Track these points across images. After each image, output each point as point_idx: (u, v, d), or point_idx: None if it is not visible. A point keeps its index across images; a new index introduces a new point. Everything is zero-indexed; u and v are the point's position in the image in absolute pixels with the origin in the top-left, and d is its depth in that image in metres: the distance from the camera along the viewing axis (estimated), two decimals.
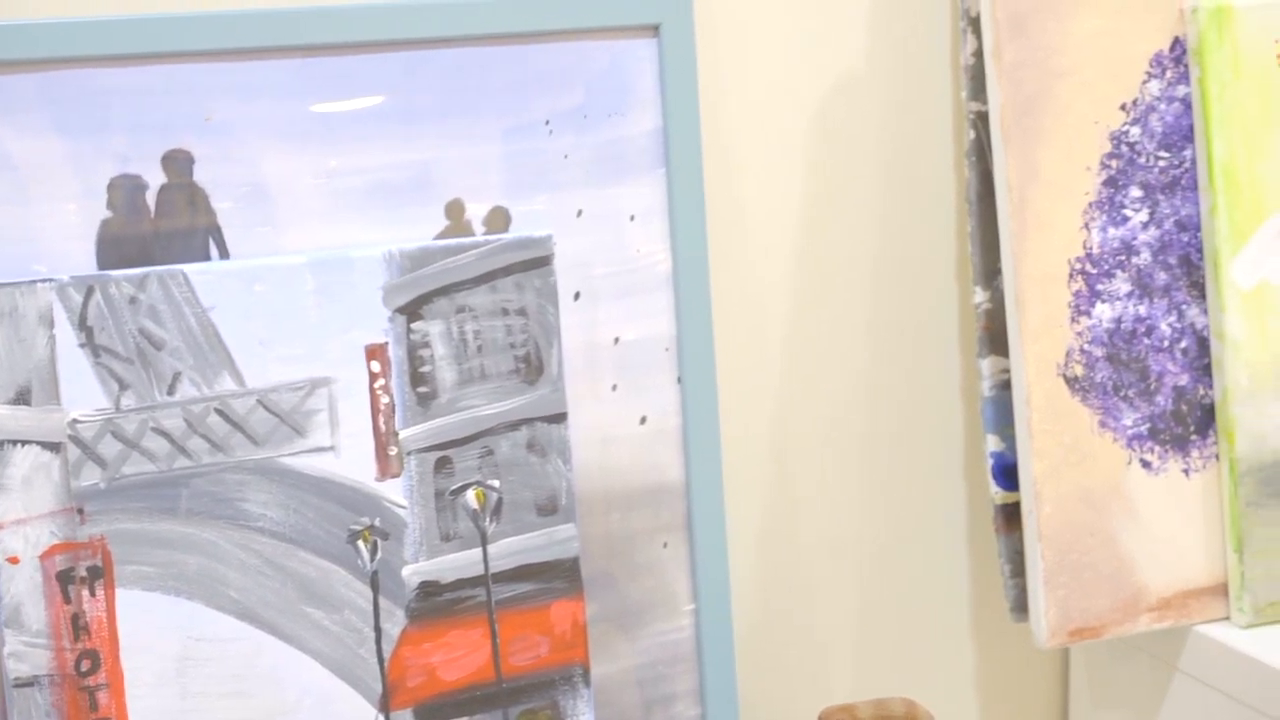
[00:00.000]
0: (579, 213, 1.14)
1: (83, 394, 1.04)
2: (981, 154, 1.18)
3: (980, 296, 1.19)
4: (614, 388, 1.16)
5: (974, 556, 1.32)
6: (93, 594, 1.04)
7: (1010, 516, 1.20)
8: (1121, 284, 1.17)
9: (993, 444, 1.20)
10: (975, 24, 1.17)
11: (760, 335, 1.24)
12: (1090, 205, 1.16)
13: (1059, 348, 1.16)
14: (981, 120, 1.18)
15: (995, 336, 1.19)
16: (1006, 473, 1.19)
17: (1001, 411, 1.19)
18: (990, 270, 1.19)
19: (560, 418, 1.13)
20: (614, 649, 1.17)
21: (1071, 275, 1.16)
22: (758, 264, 1.23)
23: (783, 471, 1.26)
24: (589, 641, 1.15)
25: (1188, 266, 1.18)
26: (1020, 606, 1.20)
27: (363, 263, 1.09)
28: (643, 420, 1.16)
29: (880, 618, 1.31)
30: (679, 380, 1.17)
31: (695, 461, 1.17)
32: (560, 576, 1.14)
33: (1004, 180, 1.15)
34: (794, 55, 1.22)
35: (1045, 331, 1.15)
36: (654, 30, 1.15)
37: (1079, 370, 1.16)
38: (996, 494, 1.20)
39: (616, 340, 1.15)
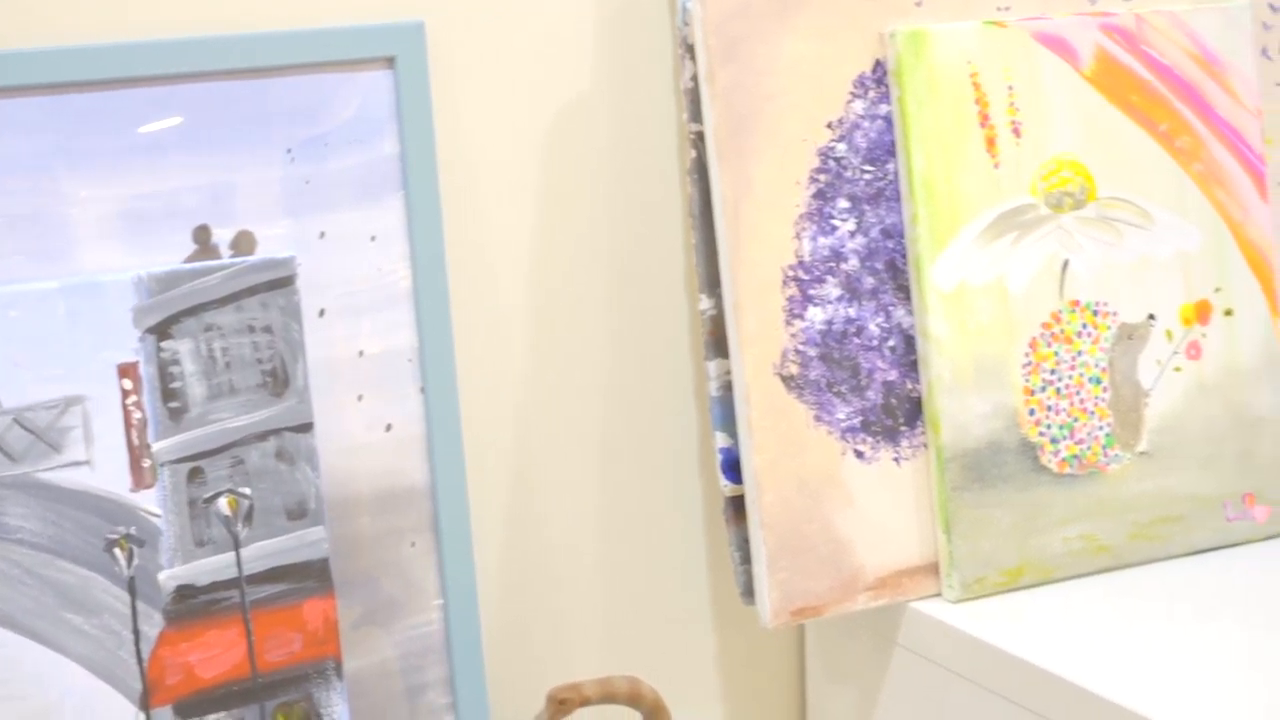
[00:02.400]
0: (321, 234, 1.21)
1: None
2: (702, 171, 1.26)
3: (706, 303, 1.28)
4: (360, 398, 1.23)
5: (710, 546, 1.41)
6: None
7: (738, 508, 1.28)
8: (832, 288, 1.26)
9: (721, 440, 1.28)
10: (692, 51, 1.25)
11: (501, 345, 1.32)
12: (801, 216, 1.25)
13: (775, 349, 1.25)
14: (701, 140, 1.26)
15: (719, 340, 1.28)
16: (734, 467, 1.28)
17: (727, 410, 1.28)
18: (713, 279, 1.27)
19: (307, 427, 1.20)
20: (367, 643, 1.24)
21: (785, 282, 1.25)
22: (496, 278, 1.31)
23: (526, 472, 1.34)
24: (341, 637, 1.22)
25: (893, 271, 1.28)
26: (750, 590, 1.28)
27: (113, 286, 1.15)
28: (388, 428, 1.24)
29: (624, 606, 1.39)
30: (422, 389, 1.24)
31: (439, 465, 1.25)
32: (311, 576, 1.21)
33: (720, 195, 1.24)
34: (524, 82, 1.30)
35: (762, 334, 1.24)
36: (389, 62, 1.22)
37: (794, 369, 1.25)
38: (725, 487, 1.28)
39: (361, 353, 1.23)
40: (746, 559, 1.28)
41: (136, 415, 1.16)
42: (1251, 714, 1.09)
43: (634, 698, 1.16)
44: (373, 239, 1.23)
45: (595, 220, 1.34)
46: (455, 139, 1.28)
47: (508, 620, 1.35)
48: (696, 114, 1.26)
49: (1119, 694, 1.12)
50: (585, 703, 1.14)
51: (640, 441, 1.38)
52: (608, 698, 1.15)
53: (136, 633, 1.17)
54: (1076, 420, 1.30)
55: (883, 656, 1.32)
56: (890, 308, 1.28)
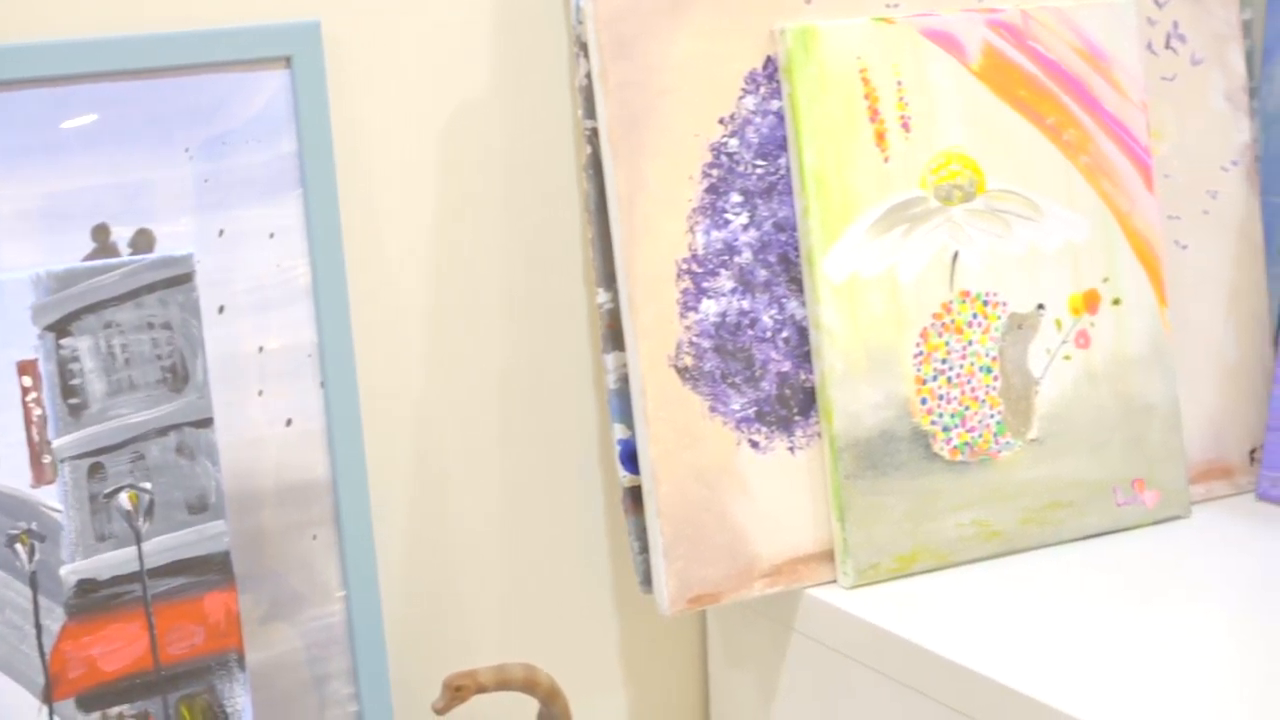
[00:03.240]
0: (221, 232, 1.23)
1: None
2: (598, 167, 1.28)
3: (603, 297, 1.30)
4: (260, 393, 1.25)
5: (612, 536, 1.44)
6: None
7: (637, 498, 1.30)
8: (726, 281, 1.28)
9: (619, 432, 1.30)
10: (586, 48, 1.27)
11: (401, 339, 1.34)
12: (694, 211, 1.28)
13: (670, 342, 1.27)
14: (596, 136, 1.28)
15: (617, 334, 1.30)
16: (632, 458, 1.30)
17: (625, 402, 1.30)
18: (610, 273, 1.29)
19: (207, 423, 1.22)
20: (271, 635, 1.26)
21: (679, 275, 1.27)
22: (396, 273, 1.33)
23: (428, 465, 1.36)
24: (244, 629, 1.24)
25: (786, 264, 1.30)
26: (648, 579, 1.30)
27: (11, 285, 1.17)
28: (289, 423, 1.26)
29: (527, 596, 1.41)
30: (322, 384, 1.26)
31: (340, 459, 1.26)
32: (213, 570, 1.23)
33: (614, 190, 1.26)
34: (422, 80, 1.32)
35: (656, 327, 1.26)
36: (286, 62, 1.24)
37: (689, 361, 1.27)
38: (624, 477, 1.30)
39: (261, 349, 1.24)
40: (645, 548, 1.30)
41: (36, 412, 1.18)
42: (1137, 695, 1.12)
43: (529, 684, 1.18)
44: (272, 236, 1.24)
45: (494, 216, 1.36)
46: (354, 137, 1.30)
47: (411, 611, 1.36)
48: (591, 111, 1.28)
49: (1009, 677, 1.14)
50: (481, 690, 1.16)
51: (541, 433, 1.40)
52: (503, 684, 1.17)
53: (39, 627, 1.18)
54: (968, 409, 1.33)
55: (781, 642, 1.34)
56: (783, 300, 1.30)
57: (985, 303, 1.34)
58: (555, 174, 1.38)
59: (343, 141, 1.29)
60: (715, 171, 1.28)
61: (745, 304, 1.29)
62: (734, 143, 1.29)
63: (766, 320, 1.30)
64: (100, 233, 1.20)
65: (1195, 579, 1.31)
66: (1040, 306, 1.36)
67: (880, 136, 1.31)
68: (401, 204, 1.32)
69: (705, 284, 1.28)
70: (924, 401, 1.31)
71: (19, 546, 1.17)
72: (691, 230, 1.27)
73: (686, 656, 1.48)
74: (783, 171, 1.30)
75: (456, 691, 1.15)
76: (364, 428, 1.29)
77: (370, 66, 1.30)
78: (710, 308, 1.28)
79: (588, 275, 1.40)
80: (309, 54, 1.24)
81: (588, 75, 1.28)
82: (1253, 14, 1.50)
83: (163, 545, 1.21)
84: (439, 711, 1.16)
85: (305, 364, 1.26)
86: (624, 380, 1.30)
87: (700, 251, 1.28)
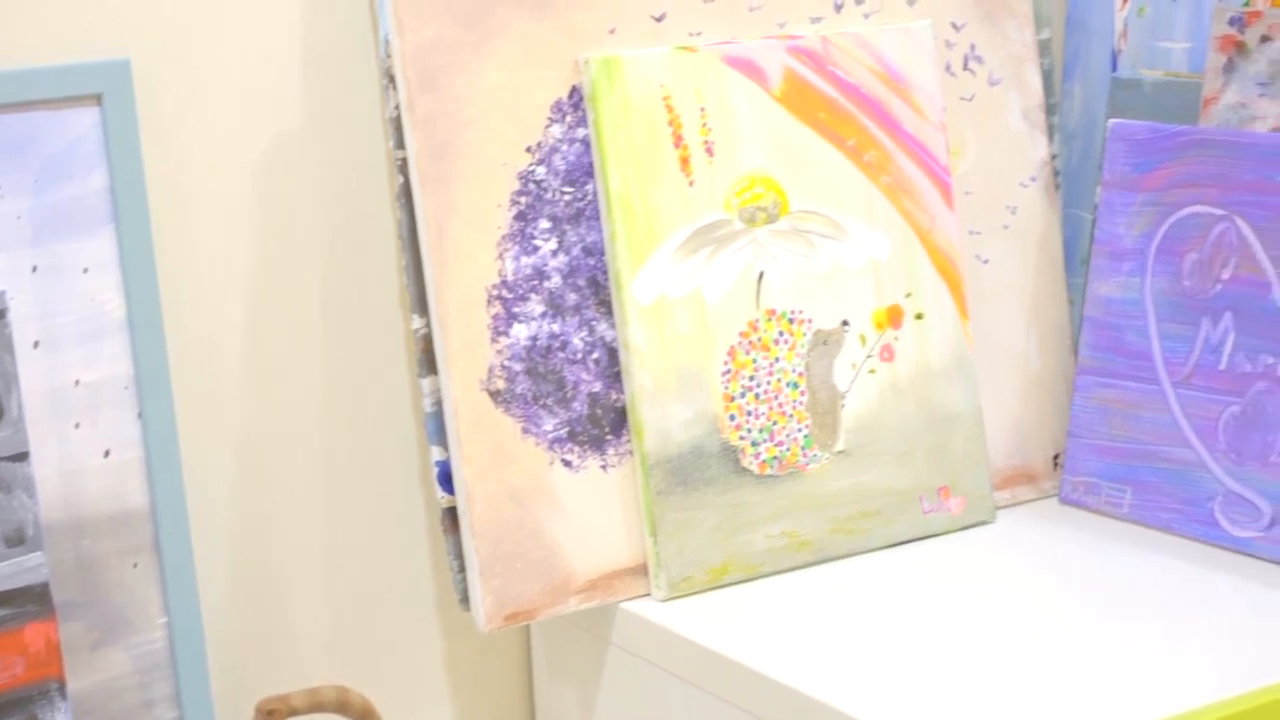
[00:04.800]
0: (34, 268, 1.25)
1: None
2: (410, 196, 1.31)
3: (418, 322, 1.33)
4: (77, 425, 1.27)
5: (434, 555, 1.47)
6: None
7: (455, 518, 1.33)
8: (536, 305, 1.32)
9: (437, 454, 1.33)
10: (395, 80, 1.30)
11: (220, 369, 1.36)
12: (504, 238, 1.31)
13: (481, 366, 1.30)
14: (407, 166, 1.31)
15: (432, 358, 1.33)
16: (449, 478, 1.33)
17: (441, 424, 1.33)
18: (424, 299, 1.32)
19: (23, 456, 1.24)
20: (95, 662, 1.28)
21: (489, 300, 1.31)
22: (213, 305, 1.35)
23: (249, 491, 1.38)
24: (65, 658, 1.26)
25: (595, 287, 1.34)
26: (467, 597, 1.34)
27: None
28: (107, 454, 1.28)
29: (352, 616, 1.44)
30: (139, 415, 1.28)
31: (158, 488, 1.29)
32: (32, 601, 1.24)
33: (424, 219, 1.29)
34: (234, 114, 1.34)
35: (468, 352, 1.30)
36: (97, 99, 1.26)
37: (501, 385, 1.31)
38: (442, 498, 1.33)
39: (78, 382, 1.26)
40: (462, 567, 1.33)
41: None
42: (941, 700, 1.17)
43: (342, 705, 1.21)
44: (86, 271, 1.26)
45: (310, 245, 1.39)
46: (168, 171, 1.32)
47: (236, 635, 1.39)
48: (402, 141, 1.31)
49: (813, 687, 1.18)
50: (293, 713, 1.19)
51: (362, 456, 1.43)
52: (316, 707, 1.20)
53: None
54: (776, 424, 1.37)
55: (599, 655, 1.38)
56: (593, 322, 1.34)
57: (791, 320, 1.38)
58: (370, 202, 1.40)
59: (157, 176, 1.31)
60: (523, 199, 1.32)
61: (556, 327, 1.33)
62: (541, 170, 1.32)
63: (577, 342, 1.33)
64: None
65: (1000, 582, 1.36)
66: (845, 323, 1.40)
67: (684, 162, 1.35)
68: (218, 236, 1.35)
69: (516, 309, 1.31)
70: (732, 418, 1.35)
71: None
72: (501, 257, 1.31)
73: (511, 671, 1.51)
74: (590, 197, 1.33)
75: (268, 716, 1.18)
76: (183, 456, 1.31)
77: (183, 102, 1.32)
78: (521, 332, 1.31)
79: (405, 301, 1.43)
80: (119, 91, 1.26)
81: (397, 107, 1.30)
82: (1051, 33, 1.55)
83: None
84: None
85: (122, 396, 1.28)
86: (440, 403, 1.33)
87: (510, 277, 1.31)
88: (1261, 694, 1.16)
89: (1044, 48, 1.54)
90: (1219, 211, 1.38)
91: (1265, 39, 1.41)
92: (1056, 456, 1.52)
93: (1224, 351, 1.38)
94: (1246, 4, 1.44)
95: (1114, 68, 1.57)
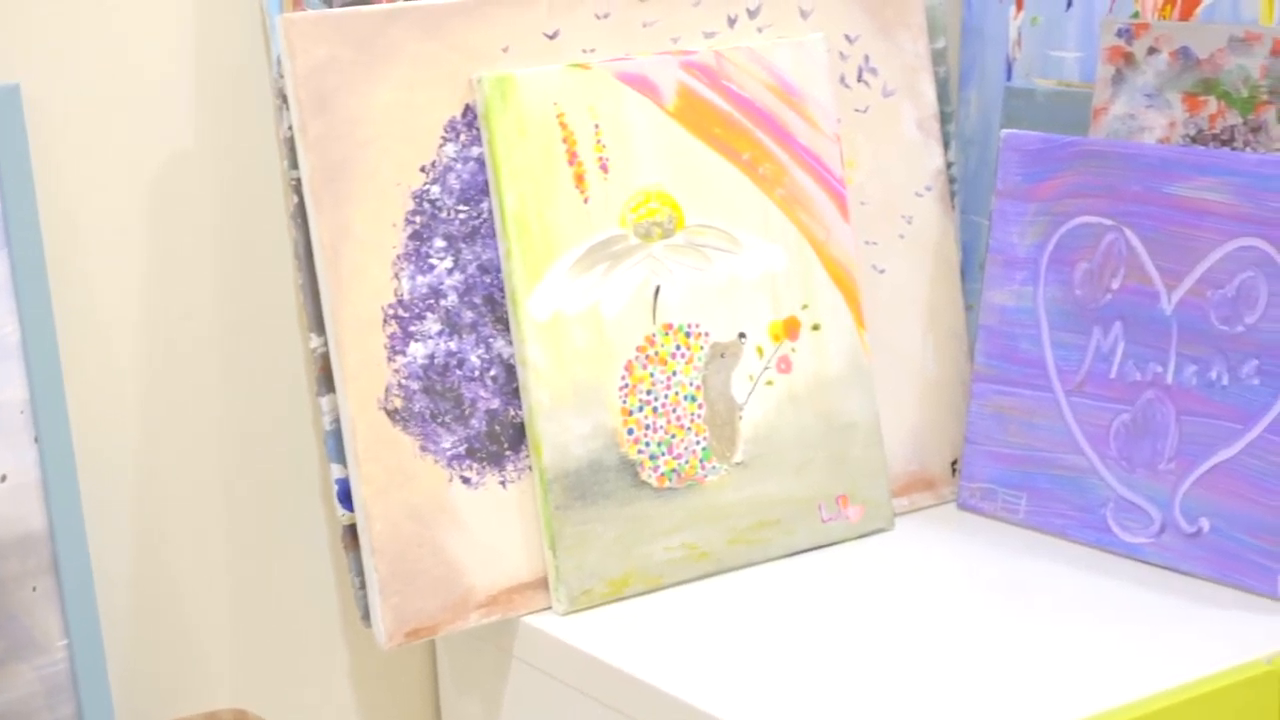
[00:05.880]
0: None
1: None
2: (305, 216, 1.32)
3: (316, 342, 1.33)
4: None
5: (338, 573, 1.47)
6: None
7: (355, 535, 1.34)
8: (432, 324, 1.33)
9: (337, 472, 1.34)
10: (288, 101, 1.31)
11: (117, 391, 1.36)
12: (399, 257, 1.32)
13: (378, 385, 1.31)
14: (301, 186, 1.32)
15: (330, 376, 1.33)
16: (349, 496, 1.33)
17: (340, 443, 1.33)
18: (321, 318, 1.33)
19: None
20: (10, 680, 1.28)
21: (386, 320, 1.31)
22: (109, 327, 1.35)
23: (150, 513, 1.39)
24: None
25: (492, 304, 1.35)
26: (369, 614, 1.34)
27: None
28: (3, 478, 1.28)
29: (256, 636, 1.44)
30: (36, 439, 1.29)
31: (56, 511, 1.29)
32: None
33: (318, 239, 1.29)
34: (127, 137, 1.34)
35: (364, 371, 1.30)
36: None
37: (398, 403, 1.31)
38: (342, 516, 1.34)
39: None
40: (365, 584, 1.34)
41: None
42: (840, 709, 1.18)
43: None
44: None
45: (206, 266, 1.39)
46: (61, 195, 1.32)
47: (139, 656, 1.39)
48: (295, 161, 1.31)
49: (711, 702, 1.19)
50: None
51: (263, 475, 1.43)
52: None
53: None
54: (674, 437, 1.38)
55: (503, 669, 1.39)
56: (490, 339, 1.34)
57: (688, 334, 1.39)
58: (266, 222, 1.41)
59: (49, 200, 1.31)
60: (419, 218, 1.32)
61: (452, 345, 1.33)
62: (436, 189, 1.33)
63: (474, 360, 1.34)
64: None
65: (899, 589, 1.38)
66: (742, 335, 1.41)
67: (579, 178, 1.35)
68: (113, 258, 1.35)
69: (412, 328, 1.32)
70: (630, 432, 1.37)
71: None
72: (397, 276, 1.31)
73: (417, 685, 1.52)
74: (485, 216, 1.34)
75: None
76: (81, 479, 1.32)
77: (74, 125, 1.32)
78: (418, 350, 1.32)
79: (304, 320, 1.43)
80: (9, 116, 1.27)
81: (290, 127, 1.31)
82: (947, 41, 1.56)
83: None
84: None
85: (18, 420, 1.28)
86: (339, 421, 1.33)
87: (406, 296, 1.32)
88: (1152, 700, 1.17)
89: (939, 56, 1.55)
90: (1108, 222, 1.40)
91: (1153, 51, 1.42)
92: (954, 462, 1.54)
93: (1114, 360, 1.40)
94: (1135, 16, 1.46)
95: (1009, 75, 1.59)
